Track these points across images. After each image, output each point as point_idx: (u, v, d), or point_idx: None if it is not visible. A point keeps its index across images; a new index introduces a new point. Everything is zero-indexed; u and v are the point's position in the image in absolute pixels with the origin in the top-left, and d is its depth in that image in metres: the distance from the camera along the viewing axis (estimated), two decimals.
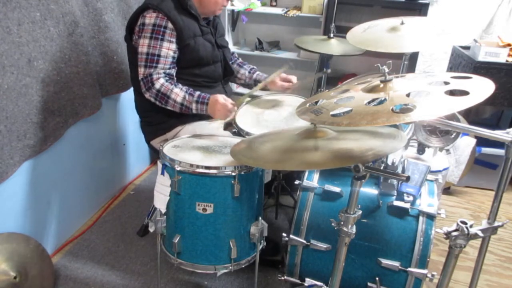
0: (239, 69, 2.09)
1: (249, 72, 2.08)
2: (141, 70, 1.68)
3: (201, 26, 1.77)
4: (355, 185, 1.07)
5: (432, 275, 1.36)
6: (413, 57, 2.79)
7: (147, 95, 1.69)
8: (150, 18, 1.65)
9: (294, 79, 1.97)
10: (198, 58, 1.76)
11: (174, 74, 1.73)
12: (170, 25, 1.65)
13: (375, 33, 1.68)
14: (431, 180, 1.52)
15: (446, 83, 1.02)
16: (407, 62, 1.85)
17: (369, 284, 1.43)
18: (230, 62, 2.01)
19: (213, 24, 1.88)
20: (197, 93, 1.69)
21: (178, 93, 1.67)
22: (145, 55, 1.66)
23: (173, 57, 1.70)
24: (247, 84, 2.11)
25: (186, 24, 1.69)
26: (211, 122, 1.83)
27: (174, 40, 1.68)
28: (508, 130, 1.08)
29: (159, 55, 1.66)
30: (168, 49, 1.67)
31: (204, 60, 1.78)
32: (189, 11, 1.71)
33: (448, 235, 1.07)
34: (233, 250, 1.43)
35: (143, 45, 1.66)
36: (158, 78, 1.66)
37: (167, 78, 1.68)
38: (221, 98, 1.65)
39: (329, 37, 2.17)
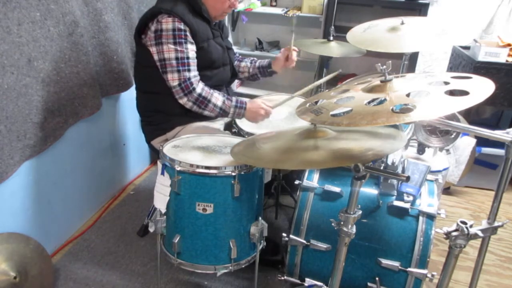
0: (240, 64, 2.06)
1: (251, 63, 2.06)
2: (175, 76, 1.63)
3: (212, 29, 1.76)
4: (355, 185, 1.07)
5: (432, 275, 1.36)
6: (413, 57, 2.79)
7: (183, 100, 1.66)
8: (167, 23, 1.60)
9: (294, 55, 1.95)
10: (210, 61, 1.75)
11: None
12: (187, 28, 1.63)
13: (375, 33, 1.68)
14: (431, 180, 1.52)
15: (446, 83, 1.02)
16: (407, 62, 1.85)
17: (369, 284, 1.43)
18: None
19: (219, 26, 1.87)
20: (234, 98, 1.72)
21: (218, 97, 1.68)
22: (175, 60, 1.62)
23: (196, 58, 1.69)
24: (251, 75, 2.07)
25: (200, 27, 1.68)
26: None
27: (193, 41, 1.67)
28: (508, 130, 1.08)
29: (188, 58, 1.63)
30: (193, 50, 1.66)
31: (215, 63, 1.77)
32: (202, 15, 1.69)
33: (448, 235, 1.07)
34: (233, 250, 1.43)
35: (169, 51, 1.61)
36: (198, 81, 1.64)
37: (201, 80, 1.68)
38: (262, 103, 1.70)
39: (329, 40, 2.16)
